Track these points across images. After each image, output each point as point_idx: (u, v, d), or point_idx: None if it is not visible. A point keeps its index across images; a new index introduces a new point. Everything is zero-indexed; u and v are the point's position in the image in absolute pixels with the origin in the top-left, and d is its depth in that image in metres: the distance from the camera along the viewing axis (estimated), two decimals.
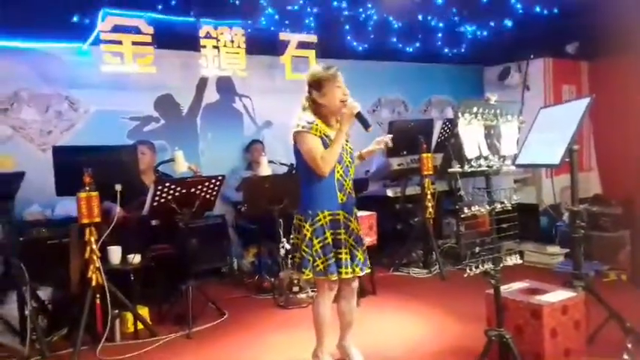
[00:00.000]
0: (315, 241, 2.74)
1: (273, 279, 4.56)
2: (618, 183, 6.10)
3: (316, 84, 2.78)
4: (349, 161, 2.86)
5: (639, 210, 4.69)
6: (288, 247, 4.33)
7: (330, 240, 2.76)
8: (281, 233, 4.39)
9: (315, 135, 2.72)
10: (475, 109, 2.35)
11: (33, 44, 4.44)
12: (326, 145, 2.73)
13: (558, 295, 2.71)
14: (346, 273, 2.75)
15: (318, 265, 2.73)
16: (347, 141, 2.86)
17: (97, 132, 4.67)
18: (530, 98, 6.13)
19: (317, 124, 2.74)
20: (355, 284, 2.99)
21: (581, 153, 6.48)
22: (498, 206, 2.46)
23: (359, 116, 2.74)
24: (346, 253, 2.77)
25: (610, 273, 4.50)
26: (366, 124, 2.74)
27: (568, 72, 6.54)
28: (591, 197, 5.62)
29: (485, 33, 6.67)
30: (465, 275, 2.42)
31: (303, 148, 2.74)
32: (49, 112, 4.61)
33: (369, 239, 4.13)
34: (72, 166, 3.37)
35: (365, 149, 3.01)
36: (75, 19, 4.48)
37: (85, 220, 3.33)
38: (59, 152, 3.61)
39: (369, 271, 2.92)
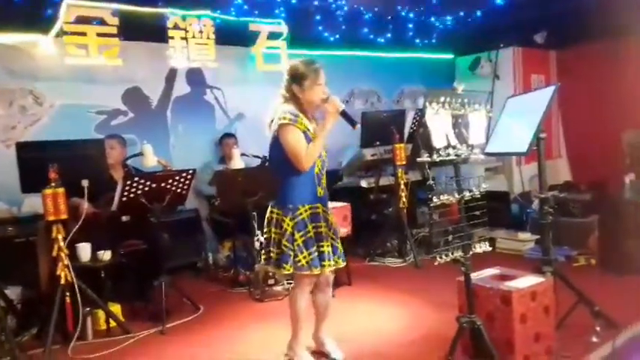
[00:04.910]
0: (297, 235, 2.72)
1: (248, 272, 4.54)
2: (587, 169, 6.23)
3: (297, 78, 2.75)
4: (325, 155, 2.86)
5: (608, 195, 4.80)
6: (262, 239, 4.30)
7: (312, 234, 2.75)
8: (255, 226, 4.36)
9: (299, 128, 2.70)
10: (443, 99, 2.36)
11: None
12: (307, 139, 2.71)
13: (527, 281, 2.75)
14: (329, 265, 2.77)
15: (300, 260, 2.71)
16: None
17: (62, 126, 4.54)
18: (500, 87, 6.20)
19: (301, 118, 2.72)
20: (331, 276, 3.00)
21: (551, 141, 6.60)
22: (467, 194, 2.48)
23: (344, 114, 2.74)
24: (328, 246, 2.78)
25: (579, 258, 4.60)
26: (352, 122, 2.76)
27: (537, 61, 6.64)
28: (561, 184, 5.73)
29: (455, 23, 6.72)
30: (436, 263, 2.45)
31: (287, 141, 2.70)
32: (12, 106, 4.47)
33: (344, 230, 4.14)
34: (37, 162, 3.28)
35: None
36: (37, 10, 4.33)
37: (52, 217, 3.26)
38: (23, 148, 3.49)
39: (344, 262, 2.94)
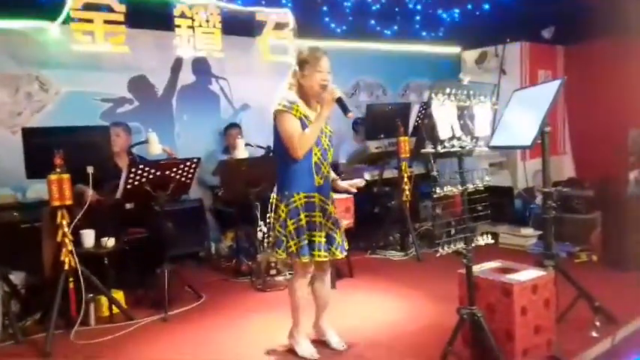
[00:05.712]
0: (289, 222, 2.75)
1: (250, 262, 4.56)
2: (591, 166, 6.21)
3: (300, 64, 2.79)
4: (328, 144, 2.86)
5: (611, 192, 4.79)
6: (265, 230, 4.31)
7: (304, 222, 2.76)
8: (258, 216, 4.38)
9: (295, 116, 2.71)
10: (448, 90, 2.36)
11: (1, 23, 4.29)
12: (305, 127, 2.72)
13: (529, 274, 2.75)
14: (319, 256, 2.76)
15: (290, 247, 2.74)
16: (326, 124, 2.85)
17: (68, 114, 4.56)
18: (507, 82, 6.15)
19: (298, 105, 2.74)
20: (328, 266, 3.02)
21: (556, 137, 6.57)
22: (470, 186, 2.48)
23: (339, 101, 2.73)
24: (320, 236, 2.77)
25: (581, 254, 4.60)
26: (345, 110, 2.74)
27: (544, 56, 6.59)
28: (565, 180, 5.72)
29: (462, 16, 6.68)
30: (437, 255, 2.45)
31: (281, 128, 2.73)
32: (19, 93, 4.49)
33: (347, 222, 4.15)
34: (42, 148, 3.31)
35: (340, 183, 3.00)
36: None
37: (57, 203, 3.28)
38: (29, 134, 3.51)
39: (345, 254, 2.92)
